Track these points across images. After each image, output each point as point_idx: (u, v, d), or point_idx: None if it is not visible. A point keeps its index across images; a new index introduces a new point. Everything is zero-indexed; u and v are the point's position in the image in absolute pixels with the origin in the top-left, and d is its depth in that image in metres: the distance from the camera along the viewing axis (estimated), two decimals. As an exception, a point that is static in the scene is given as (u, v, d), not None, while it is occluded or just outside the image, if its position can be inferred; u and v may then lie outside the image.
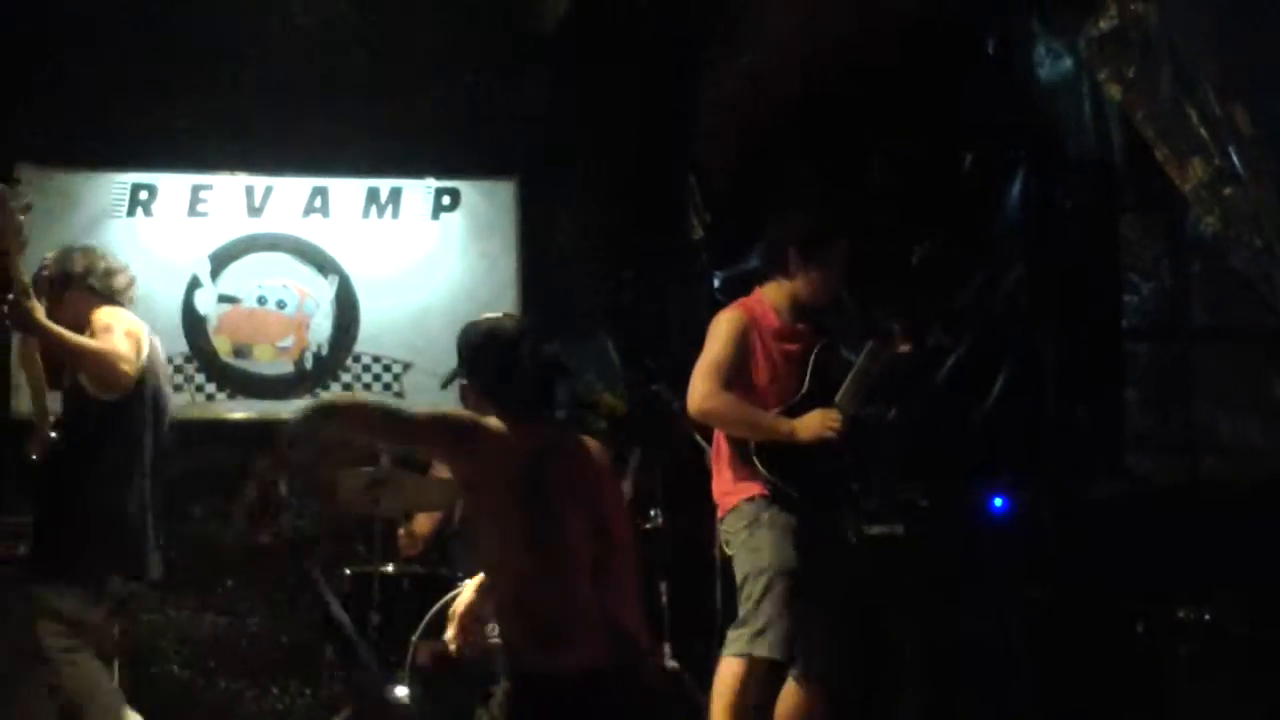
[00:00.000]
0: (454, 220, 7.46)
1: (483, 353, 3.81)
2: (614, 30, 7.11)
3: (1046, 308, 6.36)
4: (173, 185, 7.21)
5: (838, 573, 4.99)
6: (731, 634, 4.90)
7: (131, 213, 7.15)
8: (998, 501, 6.19)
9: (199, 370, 7.14)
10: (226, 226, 7.25)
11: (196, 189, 7.23)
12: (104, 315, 5.02)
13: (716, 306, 5.34)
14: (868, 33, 6.31)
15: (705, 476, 5.32)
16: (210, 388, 7.15)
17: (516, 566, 3.60)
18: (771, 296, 5.16)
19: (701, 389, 4.96)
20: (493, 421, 3.66)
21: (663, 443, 6.17)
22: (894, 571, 6.53)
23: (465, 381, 3.89)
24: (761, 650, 4.79)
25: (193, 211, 7.22)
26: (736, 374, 4.98)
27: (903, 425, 6.01)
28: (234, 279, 7.23)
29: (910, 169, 6.59)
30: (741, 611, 4.89)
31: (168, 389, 5.30)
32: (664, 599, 5.98)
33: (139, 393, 5.02)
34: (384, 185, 7.39)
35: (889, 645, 5.81)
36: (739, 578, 4.93)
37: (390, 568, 6.11)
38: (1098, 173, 6.32)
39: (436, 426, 3.65)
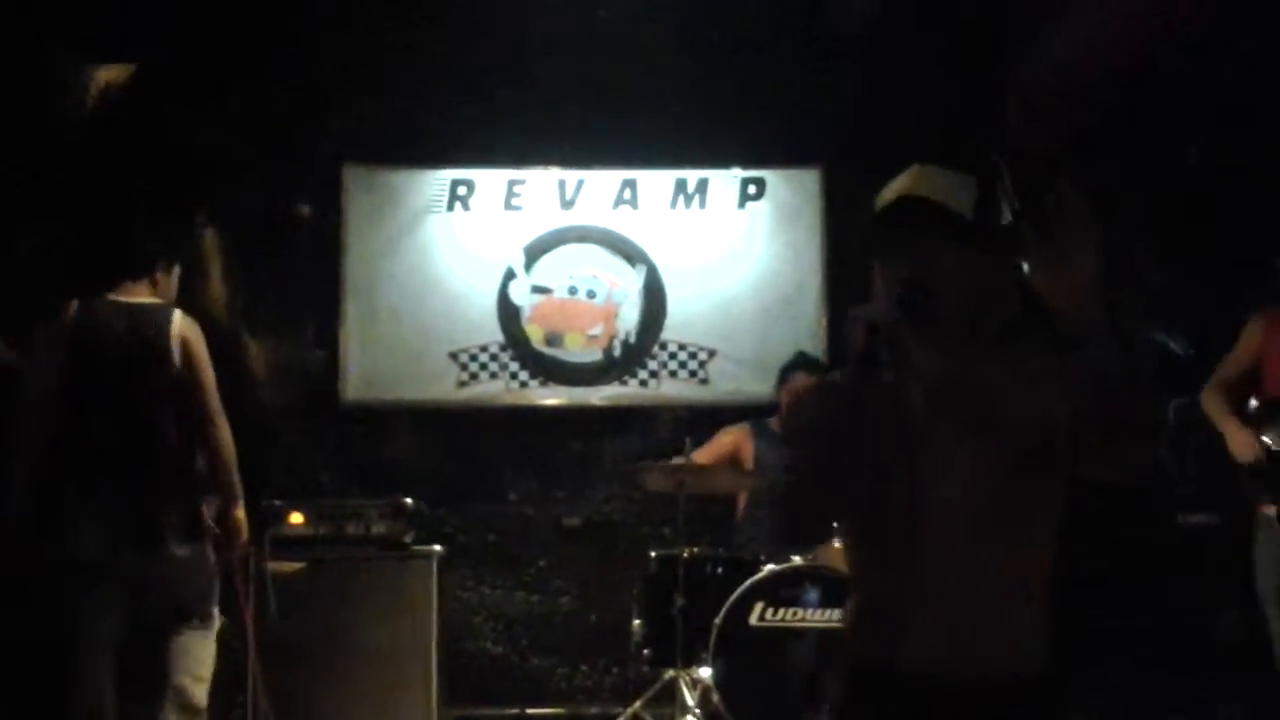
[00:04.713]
0: (760, 209, 7.53)
1: None
2: (920, 19, 7.05)
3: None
4: (489, 180, 7.47)
5: None
6: None
7: (450, 207, 7.44)
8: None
9: (513, 359, 7.37)
10: (540, 219, 7.47)
11: (512, 183, 7.48)
12: None
13: (1025, 293, 5.21)
14: (1179, 15, 6.11)
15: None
16: (524, 375, 7.38)
17: None
18: None
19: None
20: None
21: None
22: (1211, 564, 6.34)
23: None
24: None
25: (508, 205, 7.47)
26: (1245, 374, 5.06)
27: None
28: (546, 270, 7.45)
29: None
30: None
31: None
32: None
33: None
34: (691, 176, 7.51)
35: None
36: None
37: (694, 550, 6.21)
38: None
39: None
